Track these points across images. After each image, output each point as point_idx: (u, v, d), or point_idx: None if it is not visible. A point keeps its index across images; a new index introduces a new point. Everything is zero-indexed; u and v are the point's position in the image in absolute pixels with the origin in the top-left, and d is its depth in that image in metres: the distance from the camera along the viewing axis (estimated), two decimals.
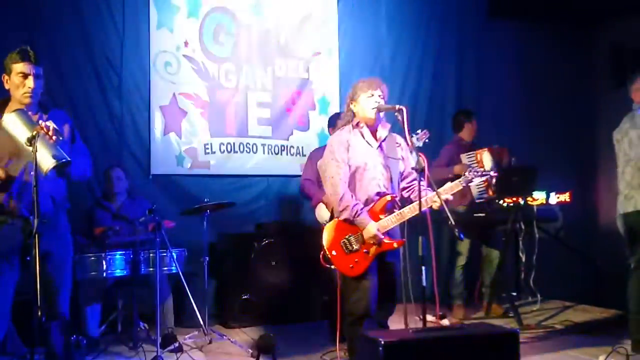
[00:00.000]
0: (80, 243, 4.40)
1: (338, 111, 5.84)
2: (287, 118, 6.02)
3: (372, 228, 3.29)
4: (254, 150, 5.88)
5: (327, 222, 3.58)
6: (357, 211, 3.30)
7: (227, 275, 5.26)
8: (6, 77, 3.07)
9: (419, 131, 4.84)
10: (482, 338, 2.80)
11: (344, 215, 3.33)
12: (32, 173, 2.74)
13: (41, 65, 3.07)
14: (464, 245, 5.36)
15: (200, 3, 5.74)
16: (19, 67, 3.02)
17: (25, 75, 3.02)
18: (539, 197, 5.25)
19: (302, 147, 6.04)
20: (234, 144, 5.81)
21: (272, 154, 5.94)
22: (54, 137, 2.82)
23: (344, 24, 6.27)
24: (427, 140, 4.85)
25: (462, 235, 3.15)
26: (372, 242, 3.31)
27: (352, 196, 3.36)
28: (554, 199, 5.30)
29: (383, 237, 3.32)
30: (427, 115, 6.40)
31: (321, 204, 4.56)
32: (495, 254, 5.40)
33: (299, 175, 5.93)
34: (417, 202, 3.20)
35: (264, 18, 5.97)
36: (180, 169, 5.61)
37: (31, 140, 2.76)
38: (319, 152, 4.95)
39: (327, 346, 4.30)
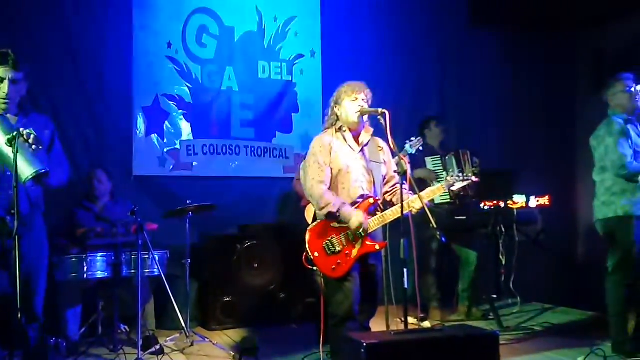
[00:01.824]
0: (61, 244, 4.36)
1: (322, 114, 5.88)
2: (270, 120, 6.03)
3: (358, 216, 3.29)
4: (237, 152, 5.87)
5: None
6: (339, 205, 3.32)
7: (209, 278, 5.25)
8: None
9: (412, 138, 4.90)
10: (462, 340, 2.82)
11: (327, 211, 3.33)
12: (9, 174, 2.71)
13: (22, 70, 3.03)
14: (435, 248, 5.39)
15: (184, 4, 5.73)
16: None
17: (1, 80, 2.99)
18: (519, 200, 5.32)
19: (285, 150, 6.06)
20: (216, 145, 5.80)
21: (255, 156, 5.95)
22: (34, 147, 2.79)
23: (327, 27, 6.30)
24: (420, 148, 4.90)
25: (444, 239, 3.19)
26: (358, 230, 3.29)
27: (333, 194, 3.37)
28: (533, 202, 5.38)
29: (368, 222, 3.31)
30: (409, 120, 6.41)
31: (310, 205, 4.57)
32: (473, 257, 5.44)
33: (282, 178, 5.99)
34: (399, 204, 3.22)
35: (247, 20, 5.97)
36: (163, 171, 5.59)
37: (11, 141, 2.73)
38: None
39: (309, 348, 4.30)
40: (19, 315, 2.57)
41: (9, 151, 2.71)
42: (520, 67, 6.97)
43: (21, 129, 2.77)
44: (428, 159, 5.37)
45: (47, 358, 3.21)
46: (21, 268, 2.63)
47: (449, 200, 5.23)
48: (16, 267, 2.60)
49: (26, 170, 2.77)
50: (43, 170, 2.82)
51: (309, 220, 4.51)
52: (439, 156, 5.39)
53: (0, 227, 2.98)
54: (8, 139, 2.73)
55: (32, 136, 2.77)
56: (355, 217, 3.29)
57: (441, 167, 5.35)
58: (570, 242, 6.96)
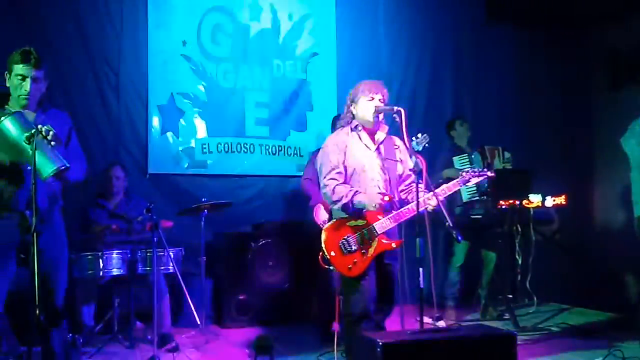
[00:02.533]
0: (79, 242, 4.38)
1: (336, 113, 5.87)
2: (285, 118, 6.03)
3: (371, 199, 3.28)
4: (251, 150, 5.88)
5: (324, 223, 3.58)
6: (352, 194, 3.31)
7: (224, 275, 5.26)
8: (7, 75, 3.07)
9: (419, 135, 4.83)
10: (479, 340, 2.80)
11: (343, 201, 3.32)
12: (29, 168, 2.73)
13: (43, 68, 3.06)
14: (459, 247, 5.37)
15: (199, 3, 5.74)
16: (18, 68, 3.02)
17: (23, 78, 3.02)
18: (534, 199, 5.27)
19: (300, 148, 6.05)
20: (231, 143, 5.80)
21: (269, 154, 5.95)
22: (52, 143, 2.81)
23: (342, 26, 6.28)
24: (426, 145, 4.85)
25: (460, 237, 3.16)
26: (375, 206, 3.28)
27: (345, 186, 3.36)
28: (549, 201, 5.32)
29: (386, 199, 3.30)
30: (424, 118, 6.41)
31: (320, 205, 4.57)
32: (491, 256, 5.41)
33: (296, 176, 5.97)
34: (415, 202, 3.20)
35: (262, 18, 5.97)
36: (178, 169, 5.61)
37: (30, 139, 2.75)
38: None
39: (323, 347, 4.30)
40: (37, 312, 2.58)
41: (28, 147, 2.74)
42: (535, 63, 6.90)
43: (40, 126, 2.79)
44: (455, 159, 5.36)
45: (69, 355, 3.23)
46: (41, 264, 2.65)
47: (477, 198, 5.20)
48: (34, 263, 2.61)
49: (46, 167, 2.79)
50: (63, 167, 2.84)
51: (318, 221, 4.52)
52: (465, 154, 5.37)
53: (21, 222, 3.00)
54: (26, 137, 2.76)
55: (50, 132, 2.79)
56: (370, 200, 3.28)
57: (469, 165, 5.32)
58: (587, 242, 6.89)
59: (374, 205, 3.29)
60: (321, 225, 4.37)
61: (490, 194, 5.16)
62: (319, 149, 5.16)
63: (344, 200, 3.32)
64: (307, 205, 4.96)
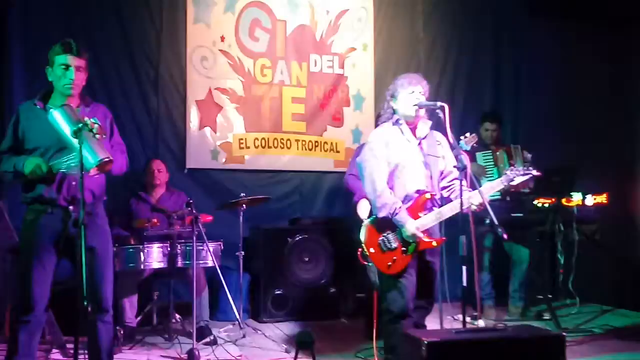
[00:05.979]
0: (121, 235, 4.44)
1: (373, 108, 5.85)
2: (322, 114, 6.01)
3: (410, 226, 3.25)
4: (288, 145, 5.88)
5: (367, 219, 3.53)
6: (395, 209, 3.26)
7: (261, 270, 5.27)
8: (49, 69, 3.10)
9: (467, 134, 4.77)
10: (526, 340, 2.74)
11: (383, 213, 3.29)
12: (73, 165, 2.76)
13: (84, 57, 3.09)
14: (489, 245, 5.27)
15: None
16: (61, 58, 3.05)
17: (66, 67, 3.05)
18: (575, 198, 5.14)
19: (336, 143, 6.02)
20: (268, 139, 5.81)
21: (305, 149, 5.93)
22: (97, 136, 2.84)
23: (380, 20, 6.23)
24: (475, 145, 4.78)
25: (504, 235, 3.10)
26: (410, 240, 3.27)
27: (390, 193, 3.32)
28: (590, 200, 5.19)
29: (422, 235, 3.27)
30: (463, 114, 6.30)
31: (364, 199, 4.53)
32: (526, 254, 5.30)
33: (333, 172, 5.97)
34: (457, 200, 3.15)
35: (299, 13, 5.96)
36: (215, 164, 5.64)
37: (77, 133, 2.78)
38: None
39: (361, 343, 4.28)
40: (85, 304, 2.61)
41: (75, 141, 2.77)
42: (577, 59, 6.73)
43: (86, 119, 2.83)
44: (479, 154, 5.28)
45: (113, 348, 3.27)
46: (87, 257, 2.68)
47: (499, 197, 5.10)
48: (81, 255, 2.65)
49: (92, 160, 2.82)
50: (107, 159, 2.87)
51: (362, 216, 4.49)
52: (490, 151, 5.29)
53: (64, 217, 3.04)
54: (73, 131, 2.79)
55: (96, 125, 2.82)
56: (407, 228, 3.24)
57: (492, 162, 5.25)
58: (629, 242, 6.72)
59: (412, 235, 3.24)
60: (364, 220, 4.35)
61: (514, 194, 5.04)
62: (364, 144, 5.16)
63: (384, 213, 3.27)
64: (347, 200, 4.93)
